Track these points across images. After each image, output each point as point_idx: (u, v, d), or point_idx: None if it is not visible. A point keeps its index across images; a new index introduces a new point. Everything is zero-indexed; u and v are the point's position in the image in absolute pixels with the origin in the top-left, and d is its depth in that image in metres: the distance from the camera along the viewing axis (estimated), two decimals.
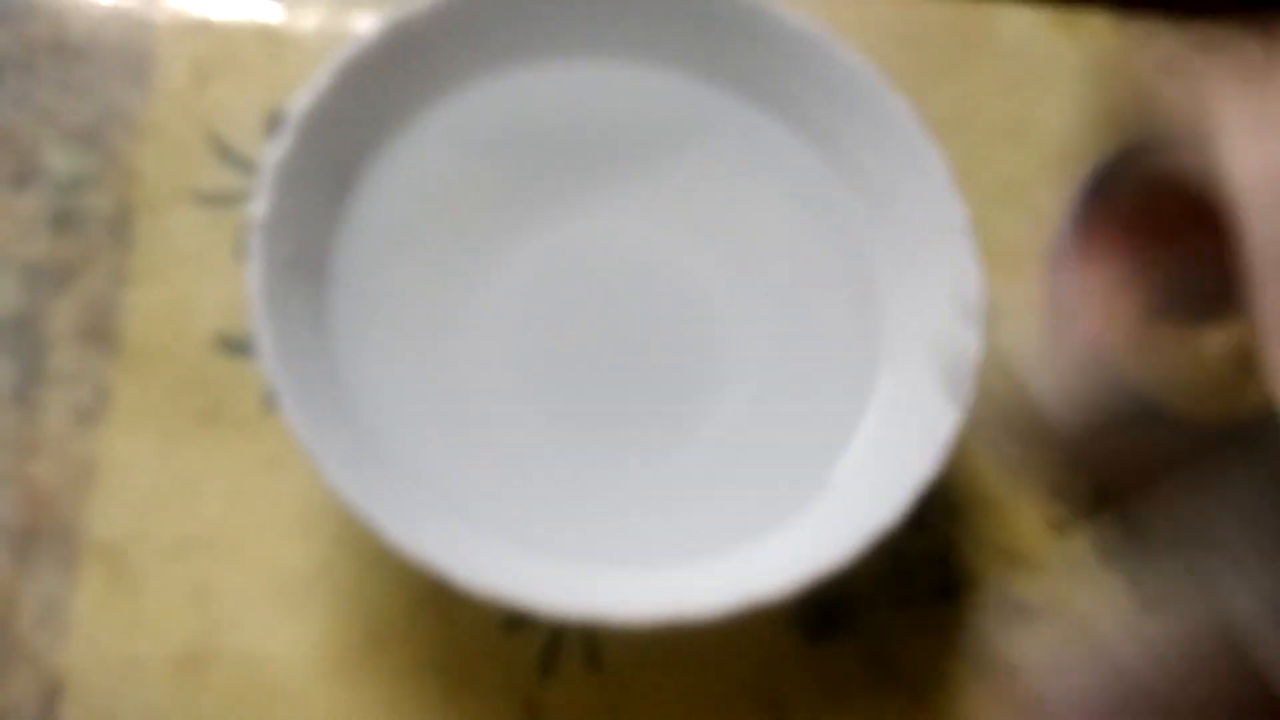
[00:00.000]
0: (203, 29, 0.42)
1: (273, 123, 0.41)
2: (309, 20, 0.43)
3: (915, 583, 0.38)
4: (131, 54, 0.41)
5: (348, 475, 0.29)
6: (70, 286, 0.38)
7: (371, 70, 0.34)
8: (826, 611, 0.37)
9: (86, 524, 0.35)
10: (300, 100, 0.32)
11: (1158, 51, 0.49)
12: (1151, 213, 0.24)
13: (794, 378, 0.36)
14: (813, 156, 0.38)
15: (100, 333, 0.37)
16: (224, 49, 0.42)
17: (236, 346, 0.38)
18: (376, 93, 0.34)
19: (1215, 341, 0.23)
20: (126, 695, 0.33)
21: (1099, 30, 0.51)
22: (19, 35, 0.41)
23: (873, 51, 0.37)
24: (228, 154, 0.40)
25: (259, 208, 0.31)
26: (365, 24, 0.39)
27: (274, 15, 0.43)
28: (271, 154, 0.32)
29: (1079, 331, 0.23)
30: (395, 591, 0.35)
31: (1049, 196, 0.45)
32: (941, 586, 0.38)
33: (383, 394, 0.33)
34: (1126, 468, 0.21)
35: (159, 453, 0.36)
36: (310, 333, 0.32)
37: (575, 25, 0.37)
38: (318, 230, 0.33)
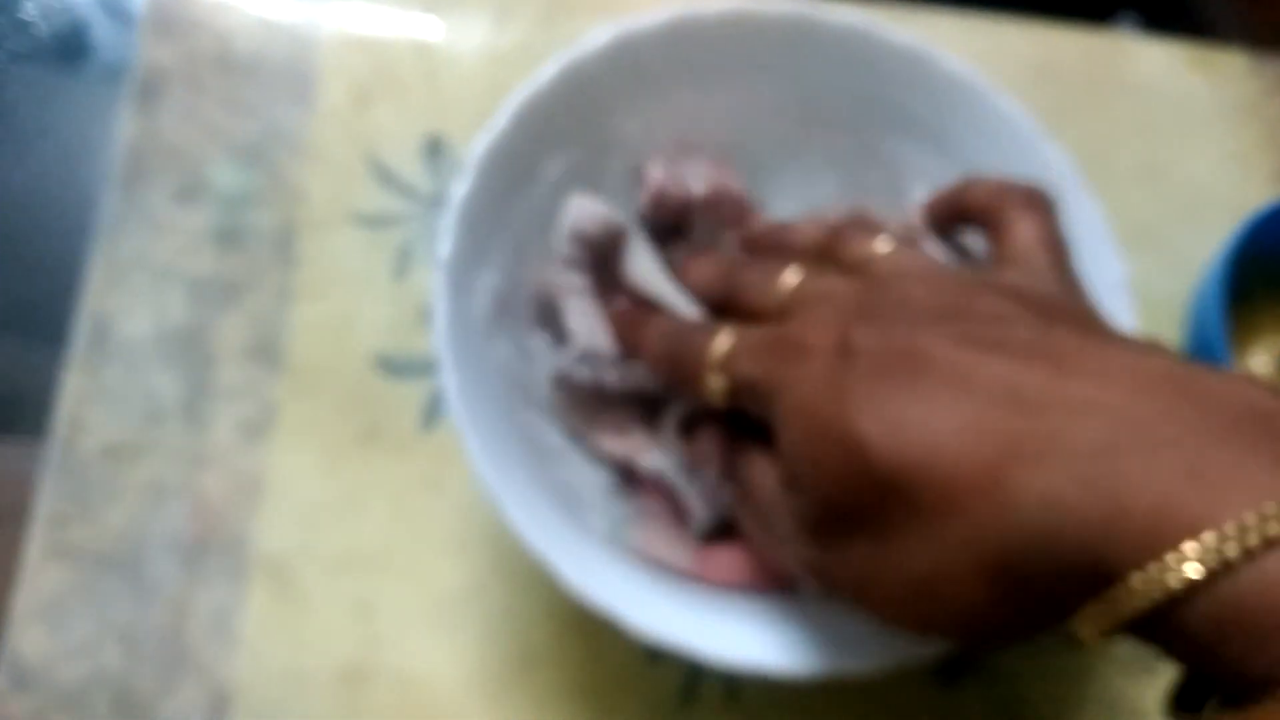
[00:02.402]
0: (363, 47, 0.43)
1: (430, 148, 0.42)
2: (466, 39, 0.44)
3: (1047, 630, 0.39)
4: (295, 72, 0.42)
5: (526, 516, 0.30)
6: (237, 302, 0.39)
7: (546, 111, 0.34)
8: (958, 657, 0.38)
9: (254, 537, 0.36)
10: (480, 141, 0.33)
11: None
12: None
13: None
14: None
15: (266, 349, 0.39)
16: (383, 69, 0.43)
17: (394, 367, 0.39)
18: (550, 133, 0.35)
19: None
20: (291, 708, 0.35)
21: (1237, 70, 0.50)
22: (187, 51, 0.42)
23: (1005, 82, 0.38)
24: (386, 176, 0.41)
25: (443, 247, 0.32)
26: (517, 44, 0.40)
27: (432, 34, 0.44)
28: (453, 193, 0.33)
29: None
30: (545, 613, 0.37)
31: (1186, 242, 0.45)
32: (1071, 634, 0.39)
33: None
34: None
35: (322, 469, 0.37)
36: (494, 367, 0.33)
37: (740, 66, 0.37)
38: (501, 268, 0.34)
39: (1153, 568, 0.20)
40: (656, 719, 0.36)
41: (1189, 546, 0.20)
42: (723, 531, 0.34)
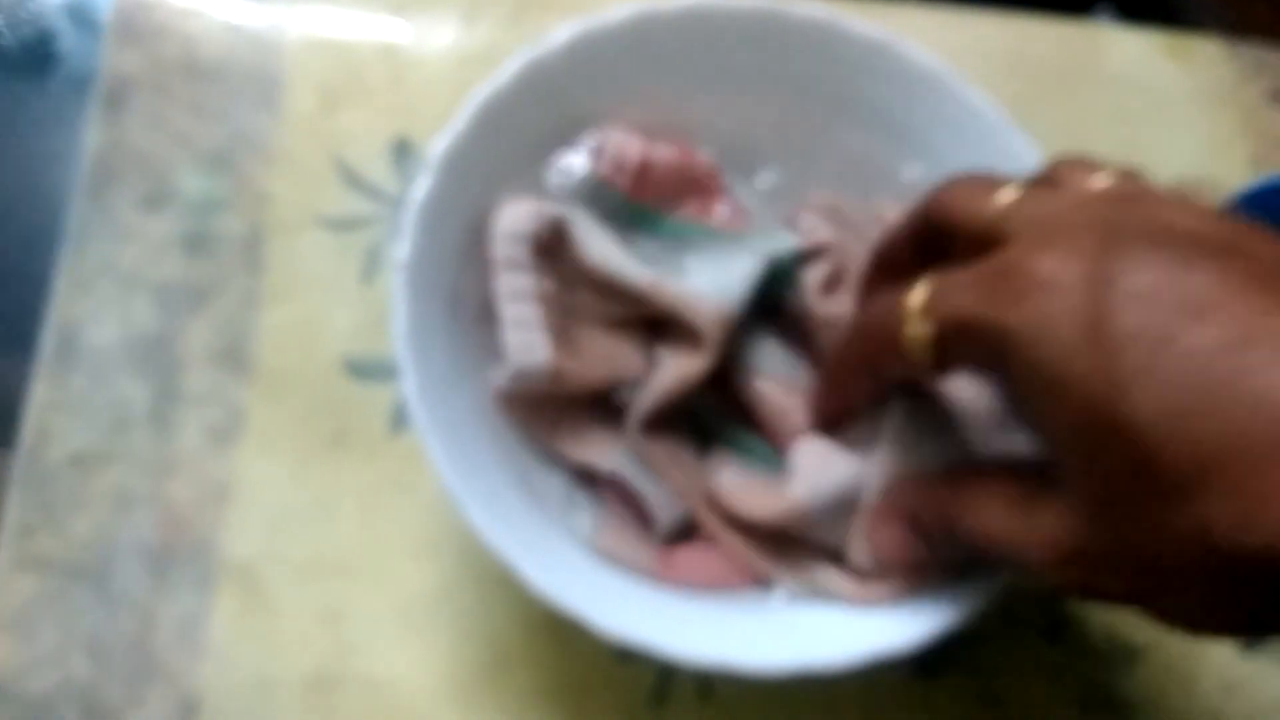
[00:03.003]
0: (329, 51, 0.43)
1: (398, 150, 0.42)
2: (433, 41, 0.44)
3: (1024, 623, 0.39)
4: (261, 77, 0.42)
5: (489, 518, 0.30)
6: (204, 308, 0.39)
7: (507, 110, 0.34)
8: (938, 650, 0.37)
9: (222, 544, 0.36)
10: (439, 142, 0.33)
11: (1270, 79, 0.49)
12: None
13: None
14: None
15: (234, 354, 0.38)
16: (350, 72, 0.43)
17: (363, 371, 0.39)
18: (512, 132, 0.35)
19: None
20: (260, 716, 0.34)
21: (1211, 57, 0.50)
22: (152, 58, 0.42)
23: (981, 76, 0.37)
24: (354, 179, 0.41)
25: (402, 249, 0.32)
26: (485, 45, 0.40)
27: (399, 36, 0.44)
28: (412, 195, 0.32)
29: None
30: (515, 616, 0.36)
31: None
32: (1049, 626, 0.39)
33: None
34: None
35: (291, 474, 0.37)
36: (454, 370, 0.32)
37: (704, 61, 0.37)
38: (464, 268, 0.33)
39: None
40: (629, 719, 0.36)
41: None
42: (686, 533, 0.34)
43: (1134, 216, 0.23)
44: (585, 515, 0.34)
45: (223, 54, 0.42)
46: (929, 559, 0.31)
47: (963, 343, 0.24)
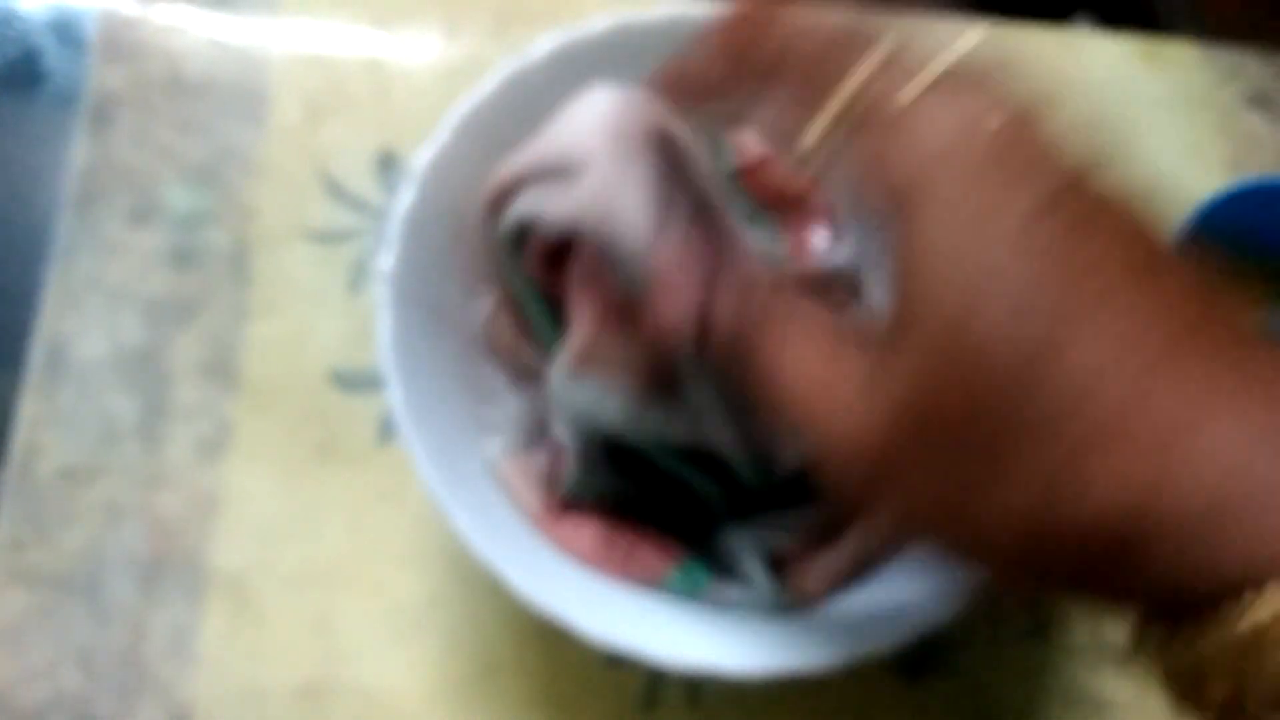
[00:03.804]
0: (313, 65, 0.44)
1: (383, 162, 0.42)
2: (416, 53, 0.44)
3: (1007, 623, 0.39)
4: (246, 91, 0.43)
5: (475, 526, 0.30)
6: (191, 321, 0.39)
7: (489, 122, 0.35)
8: (922, 652, 0.38)
9: (211, 555, 0.36)
10: (422, 154, 0.33)
11: (1246, 83, 0.49)
12: None
13: None
14: None
15: (221, 367, 0.39)
16: (334, 85, 0.43)
17: (350, 382, 0.39)
18: (495, 144, 0.35)
19: None
20: None
21: (1187, 61, 0.51)
22: (137, 74, 0.42)
23: None
24: (339, 191, 0.42)
25: (386, 260, 0.32)
26: (467, 57, 0.40)
27: (383, 49, 0.44)
28: (396, 206, 0.33)
29: None
30: (505, 622, 0.37)
31: None
32: (1033, 627, 0.39)
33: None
34: None
35: (278, 486, 0.37)
36: (440, 380, 0.33)
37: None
38: (448, 279, 0.34)
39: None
40: None
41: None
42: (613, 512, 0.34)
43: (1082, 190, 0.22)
44: (497, 440, 0.34)
45: (207, 69, 0.43)
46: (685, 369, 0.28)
47: (878, 164, 0.22)
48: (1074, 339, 0.20)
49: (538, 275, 0.31)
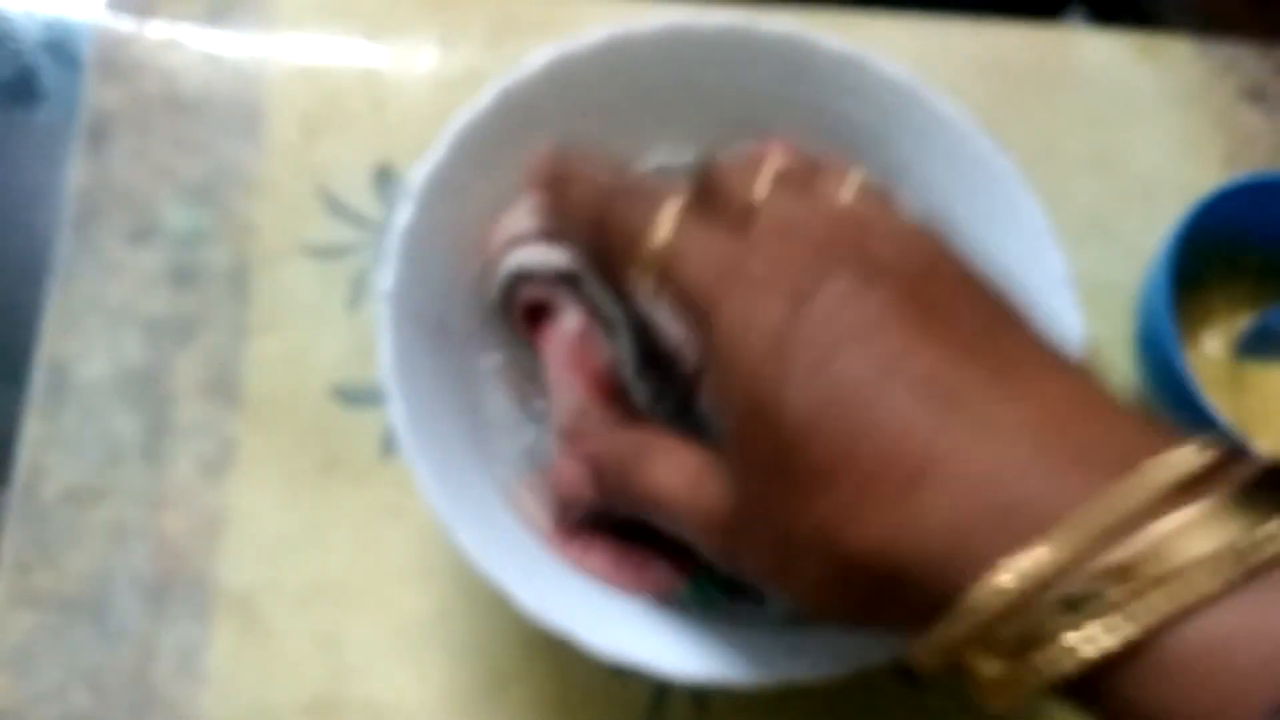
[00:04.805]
0: (309, 79, 0.44)
1: (380, 176, 0.42)
2: (412, 67, 0.45)
3: None
4: (242, 108, 0.43)
5: (478, 540, 0.30)
6: (193, 340, 0.39)
7: (486, 135, 0.35)
8: None
9: (217, 574, 0.37)
10: (419, 169, 0.33)
11: (1241, 77, 0.49)
12: None
13: None
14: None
15: (223, 385, 0.39)
16: (330, 100, 0.43)
17: (352, 397, 0.39)
18: (492, 157, 0.35)
19: None
20: None
21: (1182, 56, 0.51)
22: (134, 93, 0.42)
23: (953, 81, 0.38)
24: (337, 207, 0.42)
25: (385, 277, 0.32)
26: (463, 69, 0.40)
27: (379, 62, 0.44)
28: (394, 223, 0.33)
29: None
30: (511, 635, 0.37)
31: (1138, 230, 0.46)
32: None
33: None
34: None
35: (283, 503, 0.38)
36: (441, 394, 0.33)
37: (679, 80, 0.38)
38: (447, 295, 0.34)
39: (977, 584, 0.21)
40: None
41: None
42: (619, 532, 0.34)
43: (851, 239, 0.26)
44: (513, 460, 0.34)
45: (203, 86, 0.43)
46: (597, 507, 0.32)
47: (678, 299, 0.27)
48: (840, 393, 0.23)
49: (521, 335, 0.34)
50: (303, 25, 0.45)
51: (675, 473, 0.28)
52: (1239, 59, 0.50)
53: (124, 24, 0.44)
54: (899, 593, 0.23)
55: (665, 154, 0.38)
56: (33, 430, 0.38)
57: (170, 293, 0.40)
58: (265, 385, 0.39)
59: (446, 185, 0.34)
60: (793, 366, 0.24)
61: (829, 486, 0.23)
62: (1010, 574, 0.20)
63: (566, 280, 0.33)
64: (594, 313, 0.33)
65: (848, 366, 0.23)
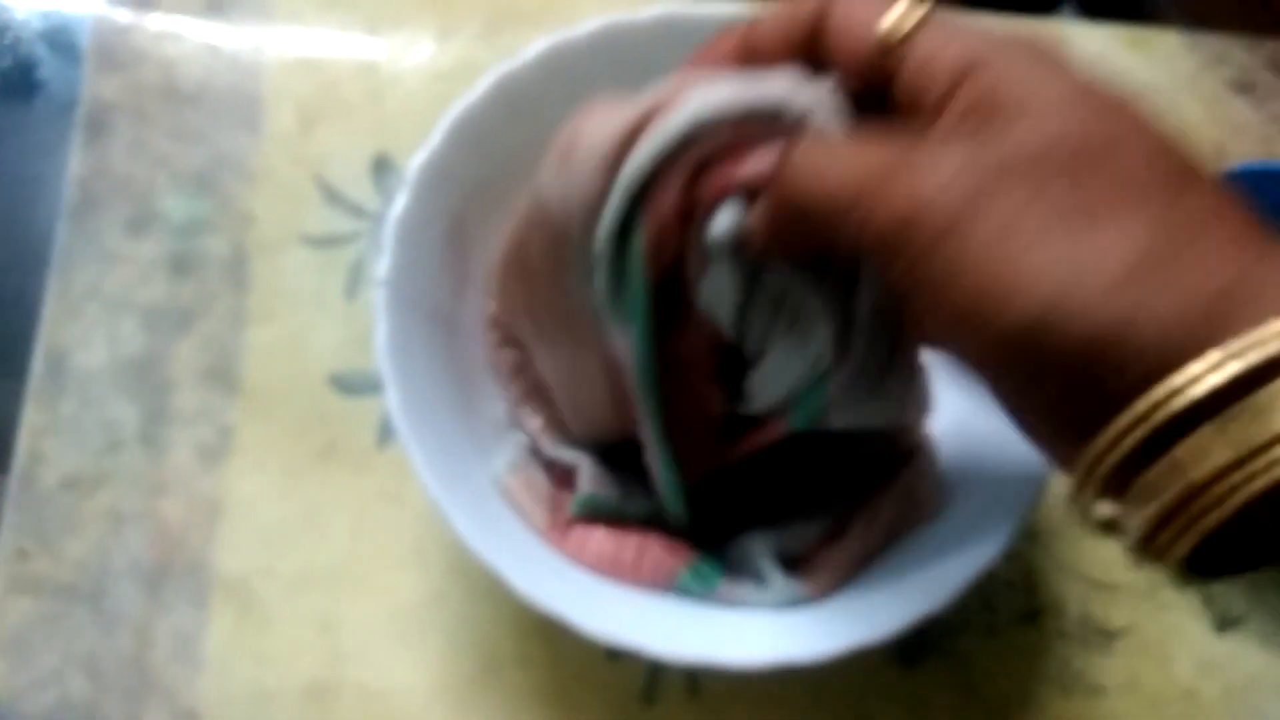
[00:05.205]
0: (307, 71, 0.44)
1: (378, 166, 0.43)
2: (409, 58, 0.45)
3: (1001, 609, 0.40)
4: (241, 98, 0.43)
5: (473, 525, 0.31)
6: (191, 328, 0.40)
7: (482, 125, 0.35)
8: (918, 638, 0.38)
9: (215, 559, 0.37)
10: (416, 158, 0.34)
11: (1231, 69, 0.50)
12: None
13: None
14: None
15: (221, 373, 0.39)
16: (328, 91, 0.44)
17: (349, 385, 0.40)
18: (488, 146, 0.35)
19: None
20: None
21: (1172, 49, 0.51)
22: (132, 83, 0.43)
23: None
24: (335, 196, 0.42)
25: (381, 265, 0.33)
26: (460, 61, 0.40)
27: (376, 54, 0.45)
28: (391, 211, 0.33)
29: None
30: (505, 620, 0.37)
31: None
32: (1026, 612, 0.40)
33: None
34: None
35: (280, 489, 0.38)
36: (436, 382, 0.33)
37: (675, 68, 0.38)
38: (443, 282, 0.34)
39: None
40: (620, 717, 0.37)
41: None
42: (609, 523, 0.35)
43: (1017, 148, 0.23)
44: (505, 456, 0.35)
45: (202, 77, 0.43)
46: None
47: (921, 72, 0.24)
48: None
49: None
50: (300, 17, 0.45)
51: (832, 151, 0.25)
52: (1228, 51, 0.51)
53: (123, 15, 0.44)
54: (1085, 371, 0.21)
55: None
56: (31, 418, 0.38)
57: (169, 281, 0.40)
58: (263, 373, 0.39)
59: (442, 174, 0.34)
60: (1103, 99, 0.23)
61: (1089, 229, 0.21)
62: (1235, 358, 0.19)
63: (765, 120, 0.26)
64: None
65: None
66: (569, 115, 0.37)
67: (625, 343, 0.29)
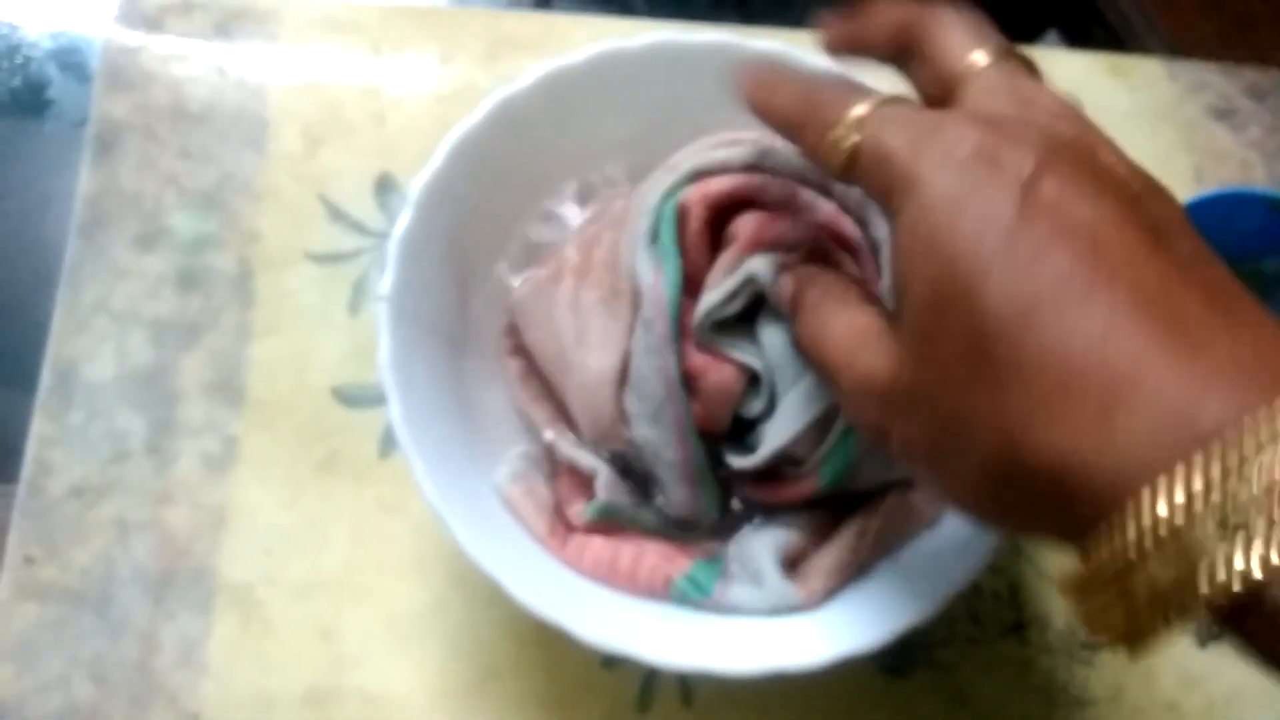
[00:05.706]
0: (312, 92, 0.45)
1: (381, 186, 0.44)
2: (411, 81, 0.46)
3: (987, 620, 0.40)
4: (247, 119, 0.44)
5: (472, 534, 0.32)
6: (197, 342, 0.41)
7: (481, 146, 0.36)
8: (904, 649, 0.39)
9: (219, 567, 0.38)
10: (418, 179, 0.35)
11: (1210, 96, 0.51)
12: None
13: None
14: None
15: (227, 385, 0.40)
16: (332, 113, 0.45)
17: (351, 398, 0.41)
18: (487, 167, 0.36)
19: None
20: None
21: (1153, 76, 0.52)
22: (141, 103, 0.44)
23: None
24: (339, 215, 0.43)
25: (384, 281, 0.34)
26: (461, 84, 0.41)
27: (379, 77, 0.46)
28: (393, 230, 0.34)
29: None
30: (504, 628, 0.38)
31: None
32: (1012, 624, 0.40)
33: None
34: None
35: (283, 499, 0.39)
36: (437, 394, 0.34)
37: (667, 95, 0.39)
38: (444, 298, 0.35)
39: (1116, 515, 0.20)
40: None
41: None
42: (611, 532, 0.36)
43: (1074, 140, 0.25)
44: (507, 466, 0.35)
45: (209, 98, 0.44)
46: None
47: (874, 171, 0.26)
48: (1053, 292, 0.22)
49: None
50: (306, 40, 0.46)
51: (846, 325, 0.28)
52: (1208, 79, 0.52)
53: (133, 37, 0.45)
54: (1057, 501, 0.22)
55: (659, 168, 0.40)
56: (40, 428, 0.39)
57: (176, 296, 0.41)
58: (268, 386, 0.40)
59: (444, 193, 0.35)
60: (1006, 257, 0.23)
61: (1020, 384, 0.22)
62: (1181, 490, 0.20)
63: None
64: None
65: (1065, 267, 0.22)
66: (566, 138, 0.38)
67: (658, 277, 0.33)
